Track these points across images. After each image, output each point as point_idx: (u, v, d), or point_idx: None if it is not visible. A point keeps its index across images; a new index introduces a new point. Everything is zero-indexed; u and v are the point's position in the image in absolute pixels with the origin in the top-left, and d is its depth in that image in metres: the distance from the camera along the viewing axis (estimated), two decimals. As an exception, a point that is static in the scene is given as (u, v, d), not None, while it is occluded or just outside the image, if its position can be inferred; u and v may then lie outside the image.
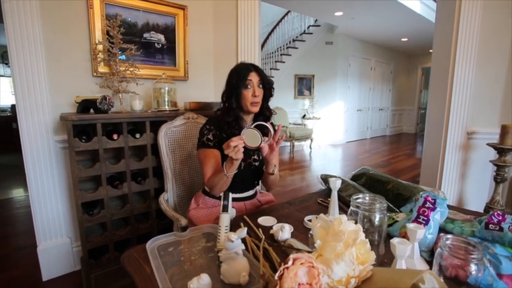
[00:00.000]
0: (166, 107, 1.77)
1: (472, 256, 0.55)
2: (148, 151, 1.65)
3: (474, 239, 0.70)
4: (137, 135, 1.62)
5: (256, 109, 1.19)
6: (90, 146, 1.48)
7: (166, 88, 1.77)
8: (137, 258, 0.74)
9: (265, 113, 1.26)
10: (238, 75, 1.16)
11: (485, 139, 2.01)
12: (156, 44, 1.92)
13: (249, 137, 1.00)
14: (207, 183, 1.17)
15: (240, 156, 1.00)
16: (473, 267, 0.55)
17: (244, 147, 0.99)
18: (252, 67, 1.19)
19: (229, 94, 1.19)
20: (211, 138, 1.18)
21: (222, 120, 1.20)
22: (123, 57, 1.68)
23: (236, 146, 0.96)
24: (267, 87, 1.21)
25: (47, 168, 1.62)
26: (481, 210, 1.90)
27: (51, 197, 1.66)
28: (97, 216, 1.57)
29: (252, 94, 1.16)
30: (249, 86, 1.16)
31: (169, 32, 1.95)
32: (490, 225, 0.73)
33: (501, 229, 0.71)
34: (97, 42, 1.65)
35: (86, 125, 1.50)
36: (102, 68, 1.71)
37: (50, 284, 1.66)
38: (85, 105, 1.55)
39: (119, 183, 1.61)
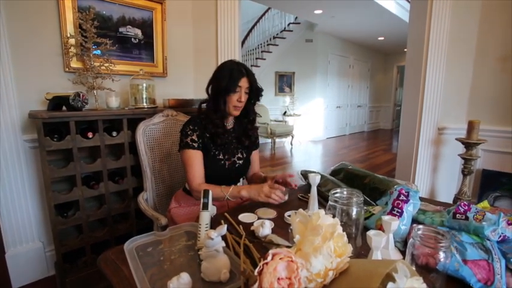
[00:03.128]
0: (145, 104, 1.72)
1: (441, 244, 0.58)
2: (126, 149, 1.61)
3: (443, 229, 0.75)
4: (114, 134, 1.57)
5: (237, 113, 1.19)
6: (63, 145, 1.41)
7: (144, 85, 1.72)
8: (114, 260, 0.72)
9: (249, 116, 1.26)
10: (230, 78, 1.14)
11: (454, 134, 2.13)
12: (132, 39, 1.85)
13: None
14: (196, 188, 1.13)
15: (266, 199, 1.05)
16: (441, 255, 0.58)
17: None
18: (245, 71, 1.17)
19: (217, 94, 1.17)
20: (196, 139, 1.16)
21: (207, 118, 1.19)
22: (98, 52, 1.61)
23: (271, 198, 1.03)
24: (255, 93, 1.21)
25: (15, 169, 1.53)
26: (450, 201, 2.01)
27: (20, 199, 1.57)
28: (72, 218, 1.50)
29: (238, 99, 1.15)
30: (237, 91, 1.15)
31: (146, 27, 1.89)
32: (457, 215, 0.78)
33: (467, 218, 0.76)
34: (68, 35, 1.57)
35: (58, 123, 1.43)
36: (75, 63, 1.63)
37: (21, 291, 1.58)
38: (57, 102, 1.47)
39: (95, 183, 1.55)
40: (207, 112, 1.19)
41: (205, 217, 0.79)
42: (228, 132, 1.24)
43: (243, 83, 1.15)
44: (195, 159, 1.15)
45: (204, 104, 1.24)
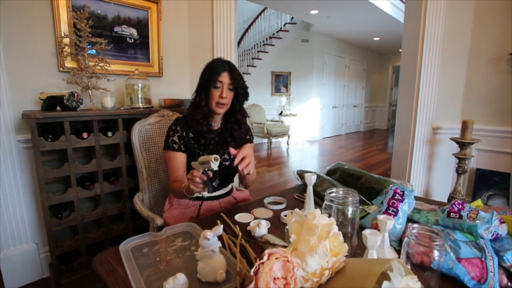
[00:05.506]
0: (140, 104, 1.71)
1: (435, 243, 0.59)
2: (122, 150, 1.60)
3: (437, 227, 0.76)
4: (109, 134, 1.56)
5: (221, 111, 1.15)
6: (57, 145, 1.40)
7: (140, 84, 1.71)
8: (110, 261, 0.72)
9: (237, 116, 1.21)
10: (211, 73, 1.12)
11: (449, 134, 2.15)
12: (128, 39, 1.84)
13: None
14: (170, 187, 1.17)
15: (197, 189, 0.91)
16: (436, 253, 0.59)
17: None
18: (227, 66, 1.13)
19: (200, 90, 1.16)
20: (176, 140, 1.15)
21: (190, 117, 1.17)
22: (93, 51, 1.60)
23: (196, 181, 0.89)
24: (240, 91, 1.16)
25: (9, 169, 1.51)
26: (445, 200, 2.03)
27: (14, 200, 1.55)
28: (67, 219, 1.49)
29: (219, 95, 1.12)
30: (219, 86, 1.12)
31: (142, 27, 1.88)
32: (451, 214, 0.79)
33: (461, 217, 0.77)
34: (63, 35, 1.55)
35: (52, 123, 1.42)
36: (70, 63, 1.61)
37: (15, 294, 1.56)
38: (51, 102, 1.45)
39: (90, 183, 1.54)
40: (191, 111, 1.18)
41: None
42: (214, 133, 1.21)
43: (224, 78, 1.12)
44: (174, 160, 1.14)
45: None
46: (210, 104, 1.14)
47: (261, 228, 0.84)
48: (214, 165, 0.88)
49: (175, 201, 1.23)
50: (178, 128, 1.17)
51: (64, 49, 1.57)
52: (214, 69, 1.12)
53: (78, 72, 1.55)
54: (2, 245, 1.56)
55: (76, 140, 1.45)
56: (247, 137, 1.28)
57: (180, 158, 1.15)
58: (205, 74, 1.15)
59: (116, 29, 1.78)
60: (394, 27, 5.97)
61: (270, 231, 0.87)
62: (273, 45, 6.46)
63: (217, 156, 0.87)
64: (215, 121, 1.22)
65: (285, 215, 0.96)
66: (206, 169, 0.89)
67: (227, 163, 1.22)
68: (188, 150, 1.17)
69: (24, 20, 1.49)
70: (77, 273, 1.52)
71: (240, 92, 1.17)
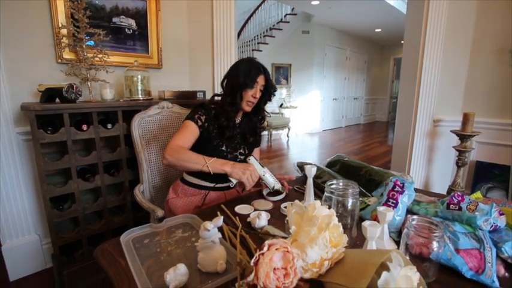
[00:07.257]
0: (140, 96, 1.70)
1: (434, 234, 0.59)
2: (121, 142, 1.60)
3: (437, 219, 0.76)
4: (109, 126, 1.56)
5: (249, 109, 1.23)
6: (57, 137, 1.39)
7: (139, 76, 1.69)
8: (111, 252, 0.72)
9: (261, 114, 1.32)
10: (248, 75, 1.18)
11: (449, 126, 2.15)
12: (126, 30, 1.81)
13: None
14: (174, 147, 1.08)
15: (248, 183, 1.05)
16: (435, 245, 0.59)
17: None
18: (262, 69, 1.21)
19: (235, 89, 1.20)
20: (203, 119, 1.19)
21: (221, 110, 1.20)
22: (91, 42, 1.58)
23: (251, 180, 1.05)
24: (270, 91, 1.25)
25: (9, 162, 1.52)
26: (445, 192, 2.04)
27: (15, 192, 1.55)
28: (68, 211, 1.50)
29: (253, 95, 1.19)
30: (254, 87, 1.19)
31: (140, 17, 1.85)
32: (451, 206, 0.79)
33: (460, 208, 0.77)
34: (60, 26, 1.53)
35: (51, 115, 1.41)
36: (68, 54, 1.59)
37: (18, 284, 1.58)
38: (50, 94, 1.44)
39: (90, 175, 1.54)
40: (223, 105, 1.21)
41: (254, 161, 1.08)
42: (235, 127, 1.27)
43: (260, 79, 1.20)
44: (190, 131, 1.16)
45: (218, 97, 1.27)
46: (242, 102, 1.21)
47: (261, 220, 0.84)
48: (272, 187, 1.12)
49: (181, 189, 1.25)
50: (207, 113, 1.21)
51: (62, 40, 1.55)
52: (251, 72, 1.19)
53: (76, 64, 1.53)
54: (5, 237, 1.57)
55: (76, 132, 1.45)
56: (260, 139, 1.38)
57: (194, 133, 1.18)
58: (240, 75, 1.18)
59: (114, 19, 1.76)
60: (396, 18, 5.89)
61: (270, 222, 0.87)
62: (273, 36, 6.39)
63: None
64: (238, 116, 1.29)
65: (285, 207, 0.97)
66: (267, 185, 1.13)
67: (242, 157, 1.28)
68: (208, 136, 1.20)
69: (21, 11, 1.47)
70: (79, 264, 1.54)
71: (268, 92, 1.26)
